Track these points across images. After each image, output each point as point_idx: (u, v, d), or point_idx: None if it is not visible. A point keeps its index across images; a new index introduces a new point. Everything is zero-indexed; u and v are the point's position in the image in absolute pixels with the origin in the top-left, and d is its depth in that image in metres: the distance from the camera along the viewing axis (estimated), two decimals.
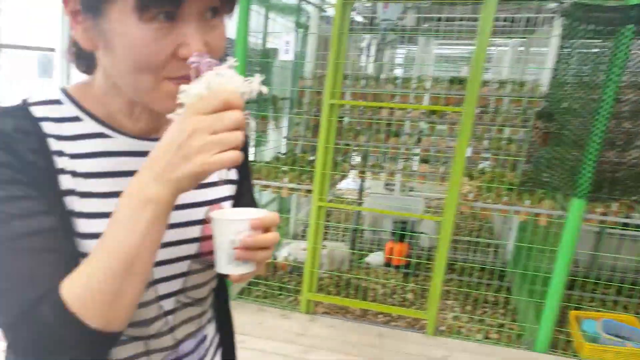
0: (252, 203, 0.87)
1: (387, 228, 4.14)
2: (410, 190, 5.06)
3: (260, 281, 3.42)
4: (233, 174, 0.82)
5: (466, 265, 3.49)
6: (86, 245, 0.61)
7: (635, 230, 3.70)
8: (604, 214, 2.83)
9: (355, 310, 3.29)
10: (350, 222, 4.37)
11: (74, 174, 0.62)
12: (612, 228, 3.48)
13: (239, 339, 2.99)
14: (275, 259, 3.61)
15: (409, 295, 3.52)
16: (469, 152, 2.85)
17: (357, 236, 4.18)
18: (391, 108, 3.61)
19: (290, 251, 3.70)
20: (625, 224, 3.32)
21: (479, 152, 3.66)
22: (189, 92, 0.55)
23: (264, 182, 3.24)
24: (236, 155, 0.53)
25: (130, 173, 0.63)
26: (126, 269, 0.54)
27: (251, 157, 3.67)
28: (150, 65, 0.57)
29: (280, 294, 3.33)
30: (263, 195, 4.09)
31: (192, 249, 0.71)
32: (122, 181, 0.64)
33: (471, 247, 4.17)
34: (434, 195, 5.02)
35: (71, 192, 0.61)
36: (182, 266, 0.71)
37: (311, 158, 3.48)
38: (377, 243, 4.23)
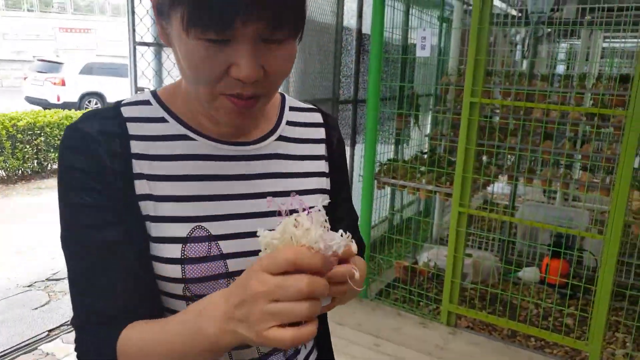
0: (346, 207, 0.81)
1: (543, 241, 3.67)
2: (574, 201, 4.43)
3: (399, 285, 3.31)
4: (322, 165, 0.76)
5: None
6: (157, 248, 0.60)
7: None
8: None
9: (503, 329, 2.95)
10: (501, 230, 3.99)
11: (151, 177, 0.61)
12: None
13: (373, 341, 2.87)
14: (415, 263, 3.45)
15: (568, 321, 3.04)
16: (637, 162, 2.44)
17: (508, 247, 3.78)
18: (543, 108, 3.19)
19: (430, 257, 3.50)
20: None
21: None
22: (262, 240, 0.50)
23: (401, 182, 3.13)
24: (299, 335, 0.46)
25: (209, 177, 0.64)
26: None
27: (390, 155, 3.59)
28: (204, 80, 0.55)
29: (420, 301, 3.15)
30: (404, 195, 3.99)
31: None
32: (200, 185, 0.63)
33: None
34: (603, 208, 4.31)
35: (146, 197, 0.61)
36: None
37: (454, 159, 3.26)
38: (532, 257, 3.78)
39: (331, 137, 0.78)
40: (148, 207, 0.60)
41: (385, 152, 3.62)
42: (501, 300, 3.16)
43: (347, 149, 3.56)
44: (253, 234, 0.60)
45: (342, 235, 0.49)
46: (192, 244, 0.60)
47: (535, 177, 3.16)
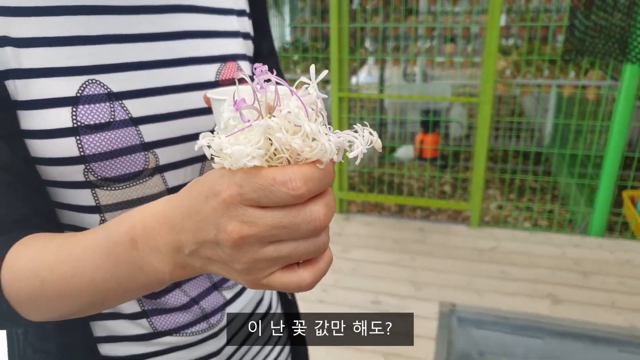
0: (273, 62, 0.66)
1: (413, 121, 3.80)
2: (433, 79, 4.63)
3: None
4: (245, 24, 0.57)
5: (508, 150, 3.19)
6: (33, 118, 0.41)
7: None
8: None
9: (390, 206, 3.05)
10: (373, 116, 4.03)
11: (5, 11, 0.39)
12: None
13: None
14: None
15: (446, 188, 3.26)
16: (502, 20, 2.50)
17: (381, 131, 3.86)
18: None
19: None
20: None
21: (509, 25, 3.31)
22: (220, 148, 0.29)
23: None
24: (320, 272, 0.32)
25: (92, 9, 0.43)
26: (85, 307, 0.39)
27: None
28: None
29: None
30: None
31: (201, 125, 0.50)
32: (83, 28, 0.42)
33: (507, 133, 3.86)
34: (460, 82, 4.60)
35: (4, 41, 0.39)
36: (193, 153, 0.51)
37: (320, 46, 3.10)
38: (405, 137, 3.93)
39: None
40: (8, 58, 0.39)
41: None
42: (384, 181, 3.23)
43: None
44: (168, 89, 0.47)
45: (355, 131, 0.31)
46: (86, 106, 0.42)
47: (399, 55, 3.15)
